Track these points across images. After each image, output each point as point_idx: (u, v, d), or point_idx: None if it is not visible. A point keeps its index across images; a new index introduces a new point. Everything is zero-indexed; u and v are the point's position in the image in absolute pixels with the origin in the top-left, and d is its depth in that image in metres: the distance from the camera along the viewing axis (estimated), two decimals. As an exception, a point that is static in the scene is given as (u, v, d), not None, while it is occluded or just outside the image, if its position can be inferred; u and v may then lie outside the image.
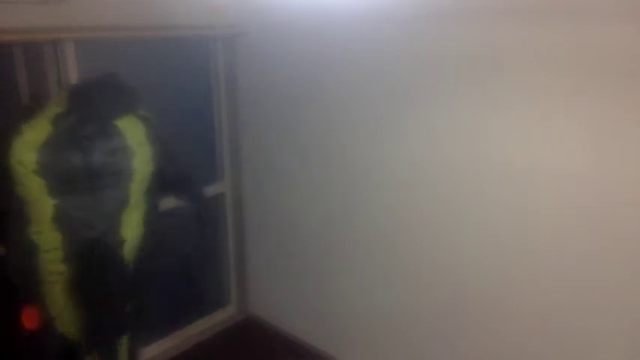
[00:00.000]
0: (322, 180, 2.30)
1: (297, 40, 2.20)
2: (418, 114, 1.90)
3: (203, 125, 2.58)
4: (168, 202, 2.01)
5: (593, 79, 1.49)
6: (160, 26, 2.14)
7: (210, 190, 2.62)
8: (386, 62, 1.93)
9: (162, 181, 1.73)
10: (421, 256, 2.04)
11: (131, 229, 1.59)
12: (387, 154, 2.03)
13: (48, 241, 1.49)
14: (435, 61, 1.80)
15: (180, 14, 2.19)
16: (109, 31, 1.97)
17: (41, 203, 1.46)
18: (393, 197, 2.06)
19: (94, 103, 1.53)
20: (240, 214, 2.74)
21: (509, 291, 1.82)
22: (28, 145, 1.41)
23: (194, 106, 2.53)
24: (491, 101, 1.70)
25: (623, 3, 1.41)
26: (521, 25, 1.58)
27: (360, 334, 2.37)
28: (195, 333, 2.68)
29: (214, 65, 2.51)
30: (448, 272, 1.97)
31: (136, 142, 1.55)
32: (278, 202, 2.54)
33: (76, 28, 1.87)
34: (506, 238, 1.78)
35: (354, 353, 2.42)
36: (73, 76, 1.91)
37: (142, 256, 1.67)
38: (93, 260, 1.52)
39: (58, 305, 1.56)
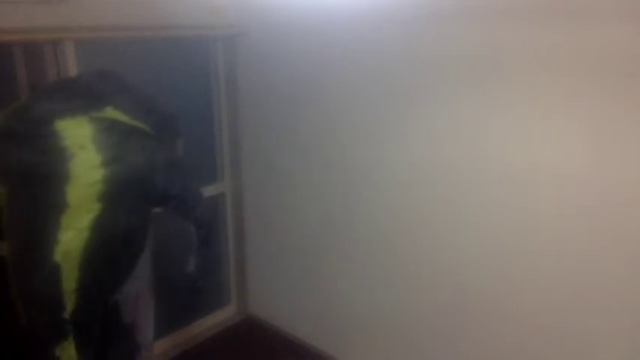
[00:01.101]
0: (322, 180, 2.30)
1: (297, 40, 2.20)
2: (418, 114, 1.90)
3: (203, 125, 2.58)
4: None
5: (593, 79, 1.49)
6: (160, 26, 2.14)
7: (210, 190, 2.62)
8: (386, 62, 1.93)
9: (151, 193, 1.69)
10: (421, 256, 2.04)
11: (69, 231, 1.53)
12: (387, 154, 2.03)
13: (5, 229, 1.54)
14: (435, 61, 1.80)
15: (180, 14, 2.19)
16: (109, 31, 1.97)
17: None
18: (393, 197, 2.06)
19: (43, 101, 1.53)
20: (240, 214, 2.74)
21: (509, 291, 1.82)
22: None
23: (194, 106, 2.53)
24: (491, 101, 1.70)
25: (623, 3, 1.41)
26: (521, 25, 1.58)
27: (360, 334, 2.37)
28: (195, 333, 2.68)
29: (214, 65, 2.51)
30: (448, 272, 1.97)
31: (75, 144, 1.49)
32: (278, 202, 2.54)
33: (76, 28, 1.87)
34: (506, 238, 1.78)
35: (354, 353, 2.42)
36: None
37: (93, 261, 1.61)
38: (22, 255, 1.55)
39: (13, 292, 1.58)
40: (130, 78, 1.77)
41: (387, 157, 2.03)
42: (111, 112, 1.57)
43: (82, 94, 1.58)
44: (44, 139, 1.47)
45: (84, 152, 1.50)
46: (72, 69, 1.90)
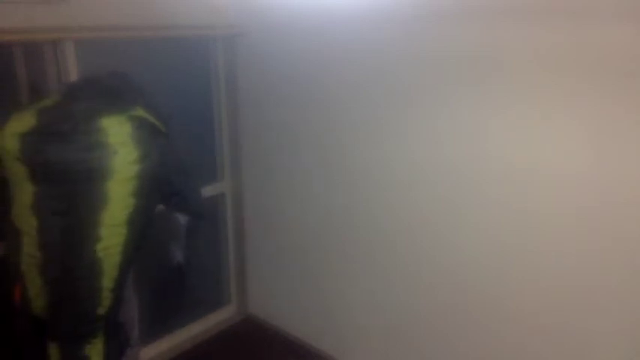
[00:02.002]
0: (322, 180, 2.30)
1: (297, 40, 2.20)
2: (418, 114, 1.90)
3: (203, 125, 2.58)
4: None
5: (593, 79, 1.49)
6: (160, 26, 2.14)
7: (210, 190, 2.63)
8: (386, 62, 1.93)
9: (160, 189, 1.74)
10: (421, 256, 2.04)
11: (110, 228, 1.59)
12: (387, 154, 2.03)
13: (26, 224, 1.56)
14: (435, 61, 1.80)
15: (180, 14, 2.19)
16: (109, 31, 1.97)
17: (23, 188, 1.54)
18: (393, 197, 2.06)
19: (82, 99, 1.58)
20: (240, 214, 2.74)
21: (509, 291, 1.82)
22: (12, 134, 1.51)
23: (194, 106, 2.53)
24: (491, 101, 1.70)
25: (623, 3, 1.41)
26: (521, 25, 1.58)
27: (359, 334, 2.37)
28: (195, 333, 2.68)
29: (214, 65, 2.51)
30: (448, 272, 1.97)
31: (118, 142, 1.55)
32: (278, 202, 2.54)
33: (76, 28, 1.87)
34: (506, 238, 1.78)
35: (354, 353, 2.42)
36: (73, 76, 1.91)
37: (127, 261, 1.66)
38: (61, 251, 1.56)
39: (35, 287, 1.60)
40: (130, 74, 1.79)
41: (387, 157, 2.03)
42: (140, 111, 1.65)
43: (114, 93, 1.64)
44: (90, 136, 1.53)
45: (125, 148, 1.56)
46: (72, 69, 1.91)
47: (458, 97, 1.77)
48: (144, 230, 1.71)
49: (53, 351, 1.67)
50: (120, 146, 1.56)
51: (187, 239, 2.00)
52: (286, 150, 2.41)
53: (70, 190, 1.54)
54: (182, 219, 1.94)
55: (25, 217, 1.56)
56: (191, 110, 2.51)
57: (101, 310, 1.65)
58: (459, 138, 1.81)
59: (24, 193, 1.55)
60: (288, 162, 2.42)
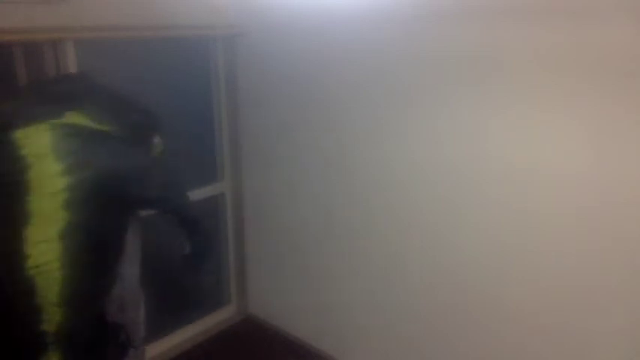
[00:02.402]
0: (322, 180, 2.30)
1: (297, 40, 2.20)
2: (418, 114, 1.90)
3: (203, 125, 2.58)
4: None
5: (593, 79, 1.49)
6: (160, 26, 2.14)
7: (211, 190, 2.62)
8: (386, 62, 1.93)
9: (126, 197, 1.64)
10: (421, 256, 2.04)
11: (38, 245, 1.48)
12: (387, 154, 2.03)
13: None
14: (435, 61, 1.80)
15: (180, 14, 2.19)
16: (109, 31, 1.97)
17: None
18: (394, 197, 2.06)
19: (1, 111, 1.51)
20: (240, 214, 2.74)
21: (509, 291, 1.82)
22: None
23: (194, 106, 2.53)
24: (492, 101, 1.70)
25: (623, 3, 1.41)
26: (522, 25, 1.58)
27: (359, 334, 2.37)
28: (195, 333, 2.68)
29: (214, 65, 2.51)
30: (448, 272, 1.97)
31: (34, 154, 1.45)
32: (278, 202, 2.54)
33: (76, 28, 1.87)
34: (506, 238, 1.78)
35: (353, 353, 2.42)
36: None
37: (76, 275, 1.55)
38: None
39: None
40: (130, 78, 1.77)
41: (387, 157, 2.03)
42: (73, 117, 1.53)
43: (45, 100, 1.54)
44: (2, 148, 1.43)
45: (43, 161, 1.45)
46: (72, 69, 1.90)
47: (458, 97, 1.77)
48: (94, 242, 1.59)
49: None
50: (37, 158, 1.45)
51: (192, 229, 1.93)
52: (286, 150, 2.41)
53: None
54: (185, 241, 1.89)
55: None
56: (191, 110, 2.51)
57: (48, 327, 1.55)
58: (459, 138, 1.81)
59: None
60: (288, 162, 2.42)
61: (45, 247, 1.48)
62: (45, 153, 1.46)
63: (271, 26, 2.28)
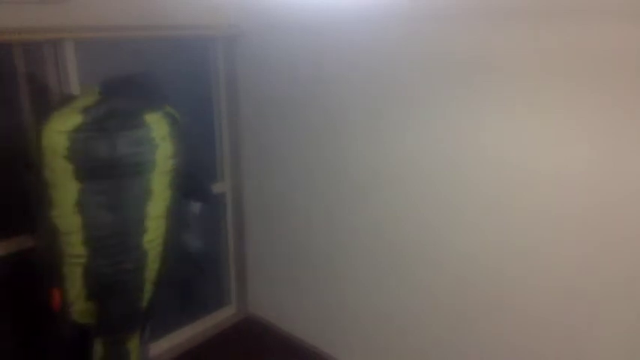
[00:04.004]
0: (322, 180, 2.30)
1: (297, 41, 2.20)
2: (418, 113, 1.90)
3: (203, 125, 2.58)
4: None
5: (592, 79, 1.49)
6: (159, 26, 2.14)
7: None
8: (385, 62, 1.93)
9: (182, 179, 1.81)
10: (421, 256, 2.04)
11: (154, 220, 1.66)
12: (387, 154, 2.03)
13: (69, 224, 1.58)
14: (434, 61, 1.80)
15: (180, 14, 2.19)
16: (109, 31, 1.97)
17: (66, 187, 1.55)
18: (394, 197, 2.06)
19: (122, 98, 1.66)
20: (241, 214, 2.74)
21: (510, 291, 1.82)
22: (59, 132, 1.52)
23: (194, 106, 2.53)
24: (492, 102, 1.70)
25: (623, 3, 1.41)
26: (522, 25, 1.58)
27: (359, 334, 2.37)
28: (195, 333, 2.68)
29: (214, 65, 2.51)
30: (448, 272, 1.97)
31: (159, 136, 1.63)
32: (278, 202, 2.54)
33: (76, 28, 1.87)
34: (507, 238, 1.78)
35: (353, 353, 2.42)
36: (73, 76, 1.91)
37: (167, 251, 1.74)
38: (110, 246, 1.61)
39: (76, 289, 1.63)
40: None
41: (387, 157, 2.04)
42: (169, 109, 1.73)
43: (148, 92, 1.74)
44: (136, 132, 1.59)
45: (164, 143, 1.65)
46: (72, 69, 1.91)
47: (458, 98, 1.77)
48: (178, 221, 1.79)
49: (98, 347, 1.69)
50: (161, 140, 1.64)
51: (198, 227, 2.09)
52: (286, 150, 2.41)
53: (117, 185, 1.59)
54: (195, 207, 2.03)
55: (68, 217, 1.57)
56: (191, 110, 2.50)
57: (144, 304, 1.71)
58: (459, 138, 1.81)
59: (67, 191, 1.55)
60: (288, 162, 2.42)
61: (158, 222, 1.69)
62: (166, 136, 1.66)
63: (271, 26, 2.28)
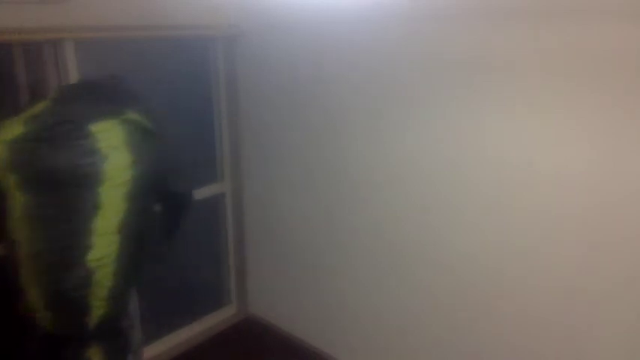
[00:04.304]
0: (322, 180, 2.30)
1: (296, 41, 2.20)
2: (418, 113, 1.90)
3: (203, 125, 2.58)
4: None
5: (593, 79, 1.49)
6: (159, 26, 2.14)
7: (211, 190, 2.63)
8: (385, 63, 1.93)
9: (157, 189, 1.73)
10: (421, 256, 2.04)
11: (103, 237, 1.55)
12: (387, 154, 2.03)
13: (19, 235, 1.52)
14: (435, 61, 1.80)
15: (180, 14, 2.19)
16: (109, 31, 1.97)
17: (15, 198, 1.50)
18: (394, 198, 2.06)
19: (73, 104, 1.57)
20: (240, 214, 2.74)
21: (510, 291, 1.82)
22: (1, 143, 1.47)
23: (194, 106, 2.53)
24: (492, 102, 1.70)
25: (622, 3, 1.41)
26: (522, 25, 1.58)
27: (359, 334, 2.37)
28: (195, 333, 2.68)
29: (214, 65, 2.51)
30: (448, 272, 1.97)
31: (109, 146, 1.53)
32: (278, 203, 2.54)
33: (76, 28, 1.87)
34: (507, 238, 1.78)
35: (353, 353, 2.42)
36: (73, 76, 1.91)
37: (123, 269, 1.62)
38: (52, 261, 1.53)
39: (34, 297, 1.57)
40: (130, 78, 1.78)
41: (387, 157, 2.03)
42: (132, 115, 1.62)
43: (106, 98, 1.63)
44: (80, 142, 1.49)
45: (117, 153, 1.54)
46: (72, 69, 1.91)
47: (458, 98, 1.77)
48: (140, 235, 1.67)
49: (63, 352, 1.66)
50: (111, 151, 1.53)
51: (170, 228, 1.97)
52: (286, 150, 2.41)
53: (61, 198, 1.50)
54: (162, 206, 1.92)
55: (18, 228, 1.52)
56: (191, 110, 2.51)
57: (93, 320, 1.61)
58: (459, 139, 1.81)
59: (16, 202, 1.50)
60: (288, 162, 2.42)
61: (108, 239, 1.57)
62: (119, 146, 1.55)
63: (271, 26, 2.28)
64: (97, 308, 1.60)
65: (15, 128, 1.48)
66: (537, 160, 1.65)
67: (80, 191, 1.51)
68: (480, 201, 1.81)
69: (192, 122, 2.53)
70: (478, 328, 1.94)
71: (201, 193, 2.57)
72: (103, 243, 1.55)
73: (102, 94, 1.63)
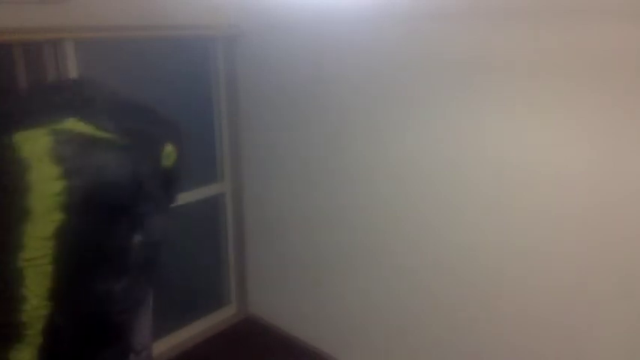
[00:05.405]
0: (321, 180, 2.30)
1: (296, 41, 2.20)
2: (417, 113, 1.90)
3: (203, 125, 2.58)
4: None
5: (593, 79, 1.49)
6: (160, 26, 2.14)
7: (211, 190, 2.62)
8: (385, 63, 1.93)
9: (117, 202, 1.66)
10: (421, 256, 2.04)
11: (35, 240, 1.54)
12: (387, 154, 2.03)
13: None
14: (435, 61, 1.80)
15: (180, 14, 2.19)
16: (109, 31, 1.97)
17: None
18: (394, 198, 2.06)
19: (7, 111, 1.56)
20: (240, 214, 2.74)
21: (510, 291, 1.82)
22: None
23: (194, 106, 2.53)
24: (492, 102, 1.70)
25: (623, 3, 1.41)
26: (522, 25, 1.58)
27: (359, 334, 2.37)
28: (195, 333, 2.68)
29: (214, 65, 2.51)
30: (447, 272, 1.97)
31: (33, 157, 1.50)
32: (278, 203, 2.54)
33: (76, 28, 1.87)
34: (507, 238, 1.78)
35: (353, 353, 2.42)
36: (73, 76, 1.91)
37: (66, 273, 1.60)
38: None
39: None
40: (130, 78, 1.77)
41: (387, 157, 2.03)
42: (73, 124, 1.56)
43: (46, 105, 1.59)
44: (4, 150, 1.48)
45: (41, 164, 1.50)
46: (72, 69, 1.91)
47: (458, 98, 1.77)
48: (88, 245, 1.63)
49: None
50: (35, 161, 1.50)
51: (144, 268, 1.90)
52: (286, 150, 2.41)
53: None
54: (135, 239, 1.84)
55: None
56: (191, 110, 2.51)
57: (28, 318, 1.60)
58: (459, 139, 1.81)
59: None
60: (288, 162, 2.42)
61: (40, 243, 1.53)
62: (42, 156, 1.49)
63: (271, 26, 2.28)
64: (37, 308, 1.59)
65: None
66: (537, 160, 1.65)
67: (9, 197, 1.51)
68: (480, 201, 1.81)
69: (192, 122, 2.53)
70: (478, 328, 1.94)
71: (201, 193, 2.57)
72: (36, 246, 1.54)
73: (41, 102, 1.61)
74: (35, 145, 1.51)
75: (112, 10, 1.96)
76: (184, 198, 2.38)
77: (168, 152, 1.77)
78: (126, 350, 1.84)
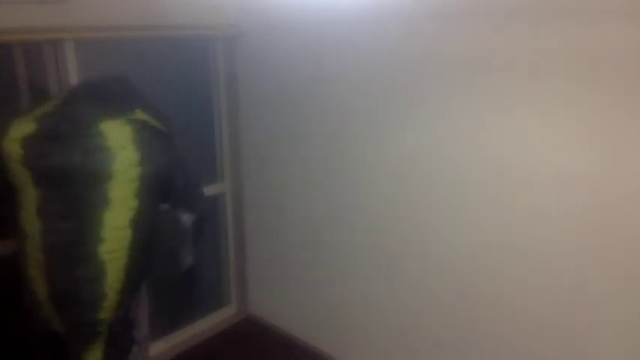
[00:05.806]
0: (322, 180, 2.30)
1: (296, 41, 2.20)
2: (418, 115, 1.90)
3: (203, 125, 2.58)
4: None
5: (593, 79, 1.49)
6: (159, 26, 2.14)
7: (210, 190, 2.62)
8: (385, 63, 1.93)
9: (164, 188, 1.76)
10: (421, 255, 2.04)
11: (114, 231, 1.60)
12: (387, 154, 2.03)
13: (32, 228, 1.58)
14: (435, 61, 1.80)
15: (180, 14, 2.19)
16: (109, 31, 1.97)
17: (27, 192, 1.57)
18: (394, 198, 2.06)
19: (82, 103, 1.62)
20: (240, 214, 2.74)
21: (510, 291, 1.82)
22: (15, 139, 1.54)
23: (194, 106, 2.53)
24: (492, 102, 1.70)
25: (622, 3, 1.41)
26: (522, 25, 1.58)
27: (359, 334, 2.37)
28: (195, 333, 2.68)
29: (214, 65, 2.51)
30: (448, 272, 1.97)
31: (117, 145, 1.58)
32: (278, 203, 2.54)
33: (76, 28, 1.87)
34: (507, 238, 1.78)
35: (353, 353, 2.42)
36: (73, 76, 1.91)
37: (135, 263, 1.67)
38: (63, 253, 1.58)
39: (42, 291, 1.61)
40: (130, 78, 1.79)
41: (387, 157, 2.03)
42: (141, 114, 1.67)
43: (114, 98, 1.68)
44: (89, 140, 1.55)
45: (125, 151, 1.59)
46: (72, 69, 1.91)
47: (458, 98, 1.77)
48: (150, 231, 1.72)
49: (64, 351, 1.68)
50: (119, 149, 1.58)
51: (195, 241, 2.02)
52: (286, 150, 2.41)
53: (70, 193, 1.56)
54: (188, 220, 1.96)
55: (31, 221, 1.57)
56: (191, 110, 2.51)
57: (104, 314, 1.65)
58: (459, 139, 1.81)
59: (29, 197, 1.56)
60: (288, 162, 2.42)
61: (120, 233, 1.62)
62: (127, 144, 1.60)
63: (271, 26, 2.28)
64: (109, 302, 1.64)
65: (27, 126, 1.55)
66: (537, 160, 1.65)
67: (89, 187, 1.56)
68: (480, 201, 1.81)
69: (193, 122, 2.53)
70: (478, 328, 1.94)
71: (201, 193, 2.57)
72: (115, 237, 1.61)
73: (110, 95, 1.68)
74: (122, 134, 1.60)
75: (112, 10, 1.96)
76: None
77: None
78: (129, 344, 1.87)
